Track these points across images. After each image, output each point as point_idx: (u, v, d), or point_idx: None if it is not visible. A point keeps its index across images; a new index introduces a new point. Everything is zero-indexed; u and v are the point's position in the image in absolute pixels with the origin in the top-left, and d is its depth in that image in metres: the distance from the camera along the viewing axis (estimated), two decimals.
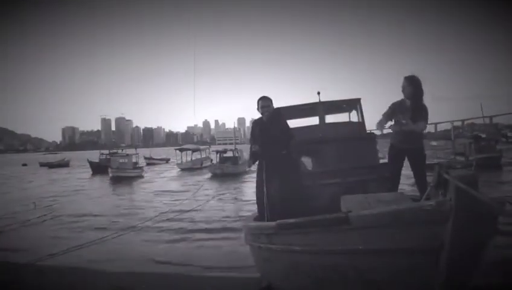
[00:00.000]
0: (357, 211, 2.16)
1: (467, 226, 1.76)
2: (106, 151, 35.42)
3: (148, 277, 4.90)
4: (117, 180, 23.09)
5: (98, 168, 30.45)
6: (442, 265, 1.80)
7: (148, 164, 40.23)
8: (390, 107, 3.99)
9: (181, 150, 33.84)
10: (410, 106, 3.84)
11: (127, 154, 29.11)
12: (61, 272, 5.15)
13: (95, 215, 10.80)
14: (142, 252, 6.38)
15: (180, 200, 12.71)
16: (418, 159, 3.99)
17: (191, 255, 6.11)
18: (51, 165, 45.37)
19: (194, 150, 34.02)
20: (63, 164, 46.51)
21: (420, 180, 3.94)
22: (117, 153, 32.13)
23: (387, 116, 4.00)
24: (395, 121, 3.98)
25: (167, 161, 45.80)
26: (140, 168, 28.56)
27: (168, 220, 9.38)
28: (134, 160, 28.81)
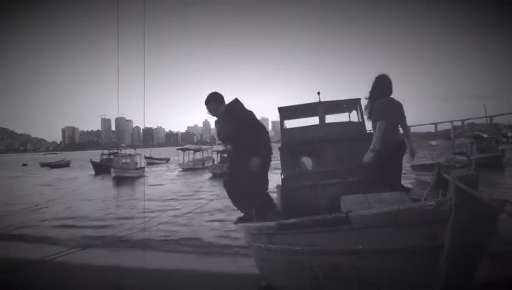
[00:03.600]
0: (357, 211, 2.16)
1: (466, 226, 1.76)
2: (106, 152, 35.58)
3: (149, 273, 4.90)
4: (119, 181, 23.05)
5: (99, 168, 30.59)
6: (442, 265, 1.80)
7: (148, 164, 40.30)
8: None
9: (183, 150, 34.01)
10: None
11: (129, 155, 29.10)
12: (61, 270, 5.15)
13: None
14: None
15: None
16: (399, 155, 3.86)
17: None
18: (52, 166, 45.51)
19: (195, 150, 34.14)
20: (63, 164, 46.73)
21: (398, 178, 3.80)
22: (117, 153, 32.20)
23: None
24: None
25: (167, 160, 45.94)
26: (142, 168, 28.57)
27: None
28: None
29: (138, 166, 28.51)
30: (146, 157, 43.50)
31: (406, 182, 14.32)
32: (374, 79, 3.85)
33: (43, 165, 47.84)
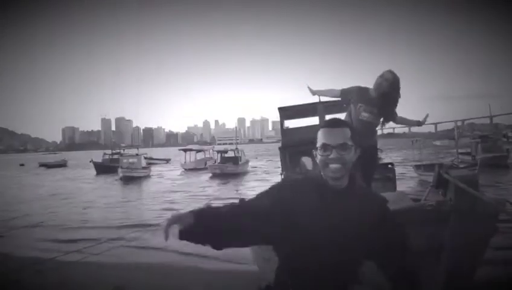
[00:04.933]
0: None
1: (467, 226, 1.76)
2: (109, 152, 35.64)
3: (149, 272, 4.90)
4: (127, 180, 22.92)
5: (101, 168, 30.59)
6: (442, 265, 1.80)
7: (148, 164, 40.32)
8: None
9: (185, 150, 34.27)
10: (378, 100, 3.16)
11: (137, 154, 29.04)
12: (61, 270, 5.15)
13: None
14: None
15: None
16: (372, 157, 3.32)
17: None
18: (48, 166, 45.70)
19: (197, 151, 34.40)
20: (61, 164, 47.15)
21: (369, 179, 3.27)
22: (121, 153, 32.20)
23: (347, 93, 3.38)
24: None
25: (167, 161, 45.98)
26: (148, 167, 28.59)
27: None
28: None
29: (143, 165, 28.45)
30: (145, 158, 43.48)
31: (406, 183, 14.42)
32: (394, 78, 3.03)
33: (41, 165, 48.08)
